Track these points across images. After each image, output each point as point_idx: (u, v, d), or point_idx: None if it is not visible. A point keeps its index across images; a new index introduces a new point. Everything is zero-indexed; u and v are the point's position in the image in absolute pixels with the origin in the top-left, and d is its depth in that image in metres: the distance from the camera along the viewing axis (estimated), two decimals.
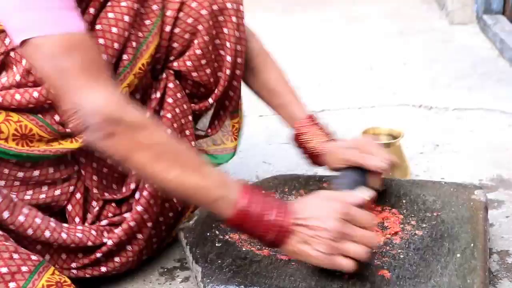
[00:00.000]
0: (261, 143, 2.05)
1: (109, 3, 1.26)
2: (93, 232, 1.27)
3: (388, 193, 1.44)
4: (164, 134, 1.13)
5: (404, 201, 1.41)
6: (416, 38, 3.00)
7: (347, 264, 1.07)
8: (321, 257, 1.07)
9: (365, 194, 1.22)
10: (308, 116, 1.44)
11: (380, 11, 3.45)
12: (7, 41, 1.22)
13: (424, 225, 1.32)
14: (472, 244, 1.24)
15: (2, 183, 1.22)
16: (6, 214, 1.14)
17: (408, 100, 2.29)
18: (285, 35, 3.09)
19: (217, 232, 1.33)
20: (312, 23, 3.33)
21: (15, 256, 1.08)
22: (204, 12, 1.36)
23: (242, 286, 1.14)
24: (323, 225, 1.07)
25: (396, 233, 1.30)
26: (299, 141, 1.45)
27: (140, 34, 1.31)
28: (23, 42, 1.07)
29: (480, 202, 1.39)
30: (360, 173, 1.34)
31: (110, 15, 1.25)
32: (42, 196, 1.27)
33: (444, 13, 3.27)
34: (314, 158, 1.45)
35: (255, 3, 3.58)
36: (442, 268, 1.17)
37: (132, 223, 1.30)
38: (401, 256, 1.22)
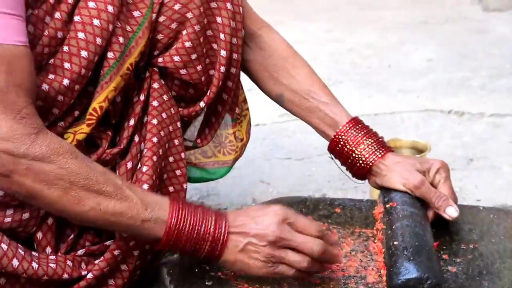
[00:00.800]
0: (258, 158, 2.04)
1: None
2: (69, 263, 1.27)
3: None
4: (76, 163, 1.14)
5: (433, 230, 1.40)
6: (443, 29, 3.00)
7: (288, 271, 1.16)
8: (259, 264, 1.16)
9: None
10: (351, 119, 1.45)
11: None
12: None
13: (458, 260, 1.31)
14: None
15: None
16: None
17: (434, 104, 2.28)
18: (286, 26, 3.09)
19: (206, 267, 1.32)
20: (317, 10, 3.34)
21: None
22: None
23: None
24: (260, 230, 1.16)
25: None
26: (340, 150, 1.45)
27: (128, 28, 1.31)
28: None
29: None
30: (421, 204, 1.36)
31: (91, 4, 1.25)
32: (7, 220, 1.26)
33: None
34: (358, 171, 1.44)
35: None
36: None
37: (116, 252, 1.30)
38: None
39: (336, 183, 1.83)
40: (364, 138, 1.42)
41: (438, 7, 3.28)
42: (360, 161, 1.41)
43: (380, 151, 1.40)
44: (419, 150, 1.70)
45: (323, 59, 2.72)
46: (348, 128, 1.43)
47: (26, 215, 1.29)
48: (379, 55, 2.75)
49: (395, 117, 2.20)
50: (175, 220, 1.15)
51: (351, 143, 1.42)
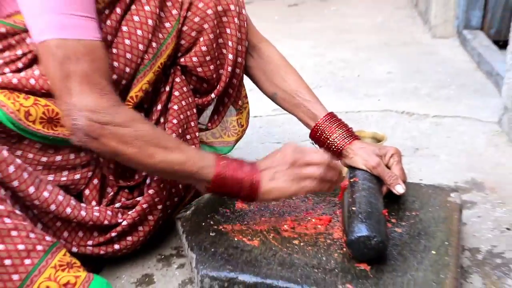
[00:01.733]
0: (255, 142, 2.03)
1: (133, 6, 1.27)
2: (109, 213, 1.28)
3: None
4: (146, 126, 1.15)
5: (386, 200, 1.40)
6: (401, 50, 2.99)
7: (311, 183, 1.20)
8: (289, 184, 1.19)
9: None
10: (328, 113, 1.44)
11: (368, 24, 3.44)
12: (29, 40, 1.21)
13: (403, 223, 1.31)
14: (446, 242, 1.24)
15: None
16: (31, 189, 1.13)
17: (391, 106, 2.28)
18: (278, 42, 3.08)
19: (211, 222, 1.33)
20: (306, 33, 3.33)
21: (32, 235, 1.08)
22: (209, 11, 1.36)
23: (233, 273, 1.15)
24: (280, 160, 1.20)
25: None
26: (318, 137, 1.44)
27: (160, 35, 1.31)
28: (42, 42, 1.08)
29: (455, 204, 1.40)
30: (377, 180, 1.36)
31: (136, 18, 1.26)
32: (63, 178, 1.27)
33: (427, 27, 3.26)
34: (332, 153, 1.41)
35: (254, 15, 3.60)
36: (418, 264, 1.17)
37: (145, 205, 1.31)
38: None
39: None
40: (337, 128, 1.42)
41: (397, 33, 3.27)
42: (333, 146, 1.41)
43: (349, 139, 1.40)
44: (378, 140, 1.69)
45: (308, 69, 2.72)
46: (325, 120, 1.42)
47: (77, 176, 1.29)
48: (351, 68, 2.74)
49: (361, 115, 2.20)
50: (221, 167, 1.17)
51: (326, 132, 1.42)
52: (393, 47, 3.04)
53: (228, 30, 1.39)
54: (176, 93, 1.38)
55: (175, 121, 1.35)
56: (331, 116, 1.44)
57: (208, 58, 1.39)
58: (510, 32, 2.01)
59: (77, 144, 1.14)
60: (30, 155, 1.21)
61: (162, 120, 1.36)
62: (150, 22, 1.27)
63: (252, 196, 1.19)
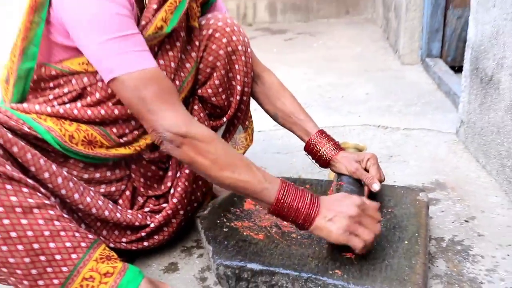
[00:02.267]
0: (259, 152, 2.01)
1: (159, 52, 1.25)
2: (139, 216, 1.27)
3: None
4: (221, 144, 1.11)
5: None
6: (376, 75, 2.97)
7: (358, 243, 1.07)
8: (341, 231, 1.06)
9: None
10: (319, 130, 1.42)
11: (349, 54, 3.42)
12: (85, 79, 1.20)
13: (381, 219, 1.30)
14: (416, 234, 1.23)
15: None
16: (76, 196, 1.13)
17: (369, 121, 2.26)
18: (277, 69, 3.07)
19: (224, 220, 1.32)
20: (299, 61, 3.31)
21: (77, 234, 1.07)
22: (221, 52, 1.35)
23: (243, 262, 1.14)
24: (344, 209, 1.07)
25: None
26: (311, 149, 1.42)
27: (182, 74, 1.29)
28: (112, 80, 1.07)
29: (423, 202, 1.38)
30: (359, 184, 1.35)
31: (161, 61, 1.24)
32: (101, 190, 1.26)
33: (397, 56, 3.25)
34: (322, 162, 1.41)
35: (257, 47, 3.59)
36: (393, 252, 1.16)
37: (169, 211, 1.30)
38: None
39: (308, 169, 1.80)
40: (326, 142, 1.40)
41: (373, 61, 3.25)
42: (324, 157, 1.39)
43: (335, 151, 1.39)
44: (359, 149, 1.68)
45: (302, 91, 2.70)
46: (316, 136, 1.41)
47: (113, 188, 1.28)
48: (336, 90, 2.72)
49: (345, 129, 2.18)
50: (282, 193, 1.08)
51: (318, 145, 1.40)
52: (370, 72, 3.02)
53: (236, 66, 1.38)
54: (195, 118, 1.37)
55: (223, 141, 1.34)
56: (321, 132, 1.42)
57: (220, 89, 1.38)
58: (464, 61, 1.99)
59: (164, 152, 1.11)
60: (75, 172, 1.20)
61: None
62: (173, 64, 1.26)
63: (304, 226, 1.08)
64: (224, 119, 1.43)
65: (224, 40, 1.34)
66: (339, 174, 1.39)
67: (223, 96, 1.39)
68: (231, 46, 1.35)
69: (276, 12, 4.59)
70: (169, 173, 1.32)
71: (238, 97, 1.41)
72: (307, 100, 2.54)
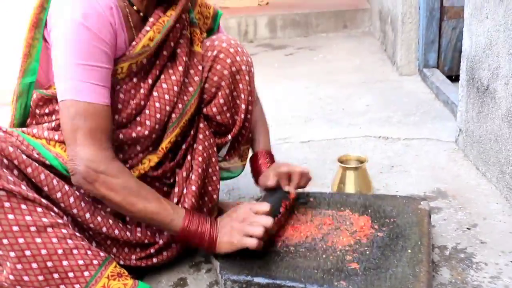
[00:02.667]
0: None
1: (162, 76, 1.27)
2: (148, 233, 1.28)
3: (358, 204, 1.42)
4: (132, 180, 1.15)
5: (369, 210, 1.39)
6: (375, 86, 2.96)
7: (251, 241, 1.15)
8: (234, 239, 1.16)
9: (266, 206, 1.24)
10: (262, 151, 1.49)
11: (348, 67, 3.42)
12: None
13: (384, 228, 1.30)
14: (419, 242, 1.23)
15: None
16: (88, 215, 1.15)
17: (370, 132, 2.25)
18: (279, 84, 3.08)
19: None
20: (300, 75, 3.31)
21: (89, 252, 1.09)
22: (226, 72, 1.36)
23: (249, 277, 1.14)
24: (234, 217, 1.20)
25: (364, 235, 1.28)
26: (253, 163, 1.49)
27: (185, 98, 1.31)
28: (62, 100, 1.11)
29: (425, 210, 1.38)
30: (279, 193, 1.39)
31: (164, 85, 1.26)
32: (109, 209, 1.26)
33: (395, 67, 3.25)
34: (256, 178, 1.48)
35: (259, 63, 3.60)
36: (397, 261, 1.16)
37: None
38: (367, 253, 1.20)
39: (310, 182, 1.79)
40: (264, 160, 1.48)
41: (372, 73, 3.25)
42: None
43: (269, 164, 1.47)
44: (361, 161, 1.68)
45: (303, 104, 2.70)
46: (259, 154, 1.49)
47: None
48: (336, 102, 2.71)
49: (347, 141, 2.18)
50: (188, 221, 1.16)
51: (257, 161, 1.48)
52: (369, 84, 3.01)
53: (240, 85, 1.39)
54: (200, 136, 1.37)
55: (200, 158, 1.35)
56: (263, 152, 1.49)
57: (225, 108, 1.38)
58: (460, 71, 1.99)
59: (75, 185, 1.14)
60: (82, 191, 1.21)
61: (189, 157, 1.35)
62: (175, 88, 1.27)
63: (211, 248, 1.18)
64: (229, 136, 1.44)
65: (229, 61, 1.35)
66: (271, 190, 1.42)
67: (228, 115, 1.40)
68: (235, 66, 1.36)
69: (276, 28, 4.61)
70: (176, 190, 1.33)
71: (242, 115, 1.41)
72: (309, 113, 2.54)
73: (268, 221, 1.17)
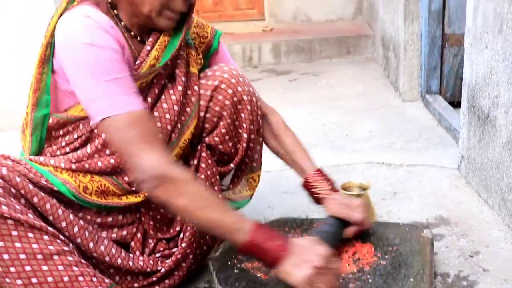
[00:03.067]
0: (267, 192, 2.01)
1: (162, 96, 1.30)
2: (151, 262, 1.29)
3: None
4: (197, 185, 1.13)
5: (372, 238, 1.40)
6: (378, 112, 2.99)
7: None
8: (305, 280, 1.05)
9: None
10: (316, 169, 1.43)
11: (352, 93, 3.45)
12: (91, 123, 1.24)
13: (386, 256, 1.31)
14: (421, 271, 1.23)
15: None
16: (91, 245, 1.16)
17: (373, 159, 2.26)
18: (283, 109, 3.10)
19: (235, 261, 1.33)
20: (304, 101, 3.35)
21: (94, 279, 1.10)
22: (227, 102, 1.38)
23: None
24: (311, 258, 1.06)
25: (367, 263, 1.29)
26: (307, 187, 1.43)
27: (183, 118, 1.33)
28: (101, 120, 1.12)
29: (428, 238, 1.39)
30: (339, 226, 1.33)
31: (164, 105, 1.29)
32: (114, 235, 1.28)
33: (398, 93, 3.28)
34: (317, 200, 1.43)
35: (263, 88, 3.64)
36: None
37: (179, 256, 1.31)
38: (370, 281, 1.21)
39: (315, 209, 1.79)
40: (321, 181, 1.41)
41: (375, 99, 3.28)
42: (317, 195, 1.41)
43: (328, 192, 1.39)
44: (363, 188, 1.69)
45: (307, 130, 2.72)
46: (313, 175, 1.42)
47: (124, 232, 1.30)
48: (340, 128, 2.73)
49: (350, 167, 2.19)
50: (255, 234, 1.08)
51: (312, 183, 1.41)
52: (372, 110, 3.04)
53: (242, 115, 1.41)
54: (203, 165, 1.39)
55: (200, 182, 1.36)
56: (318, 172, 1.43)
57: (227, 137, 1.41)
58: (462, 99, 2.02)
59: (145, 191, 1.13)
60: (88, 217, 1.24)
61: None
62: (176, 107, 1.30)
63: (272, 266, 1.09)
64: (232, 165, 1.46)
65: (230, 91, 1.38)
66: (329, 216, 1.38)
67: (230, 144, 1.42)
68: (236, 96, 1.39)
69: (281, 54, 4.67)
70: (178, 217, 1.34)
71: (244, 144, 1.43)
72: (313, 140, 2.56)
73: (337, 286, 1.10)
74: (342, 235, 1.34)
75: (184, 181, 1.10)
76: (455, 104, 2.83)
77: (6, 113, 3.04)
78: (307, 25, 5.43)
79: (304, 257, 1.06)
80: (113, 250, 1.21)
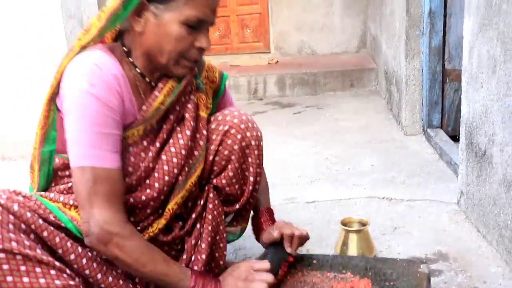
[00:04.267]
0: None
1: (171, 140, 1.35)
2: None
3: (359, 266, 1.47)
4: (143, 243, 1.23)
5: (370, 273, 1.43)
6: (381, 146, 3.04)
7: None
8: None
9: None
10: (264, 209, 1.57)
11: (355, 126, 3.51)
12: None
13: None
14: None
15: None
16: (99, 275, 1.21)
17: (374, 193, 2.30)
18: (287, 143, 3.17)
19: None
20: (307, 134, 3.40)
21: None
22: (236, 147, 1.43)
23: None
24: (236, 276, 1.28)
25: None
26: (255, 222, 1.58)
27: (190, 161, 1.38)
28: (77, 166, 1.19)
29: (424, 274, 1.42)
30: (279, 251, 1.45)
31: (172, 149, 1.33)
32: (119, 270, 1.31)
33: (400, 127, 3.33)
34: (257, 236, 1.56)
35: (267, 121, 3.71)
36: None
37: None
38: None
39: (315, 244, 1.83)
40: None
41: (378, 133, 3.33)
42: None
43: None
44: (363, 223, 1.73)
45: (309, 164, 2.77)
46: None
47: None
48: (342, 163, 2.78)
49: (351, 201, 2.23)
50: (194, 283, 1.23)
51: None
52: (375, 143, 3.09)
53: (249, 159, 1.46)
54: (210, 206, 1.44)
55: (210, 228, 1.41)
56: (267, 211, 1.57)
57: (234, 180, 1.46)
58: (460, 136, 2.07)
59: (88, 246, 1.20)
60: (95, 252, 1.27)
61: (198, 225, 1.42)
62: (183, 151, 1.35)
63: None
64: (237, 206, 1.51)
65: (239, 136, 1.43)
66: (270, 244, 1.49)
67: (237, 186, 1.47)
68: (245, 141, 1.44)
69: (285, 87, 4.76)
70: (184, 256, 1.39)
71: (251, 187, 1.49)
72: (315, 174, 2.61)
73: (269, 278, 1.26)
74: (285, 254, 1.44)
75: (130, 239, 1.19)
76: (457, 138, 2.87)
77: (15, 143, 3.13)
78: (312, 58, 5.54)
79: (231, 282, 1.27)
80: (121, 281, 1.25)
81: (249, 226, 1.62)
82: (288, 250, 1.44)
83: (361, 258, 1.52)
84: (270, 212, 1.57)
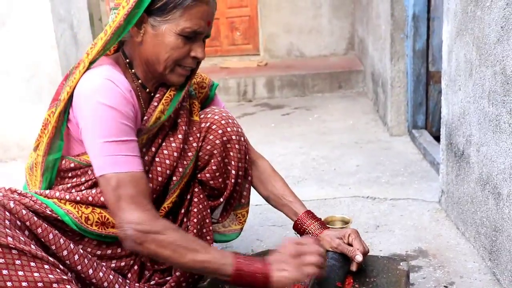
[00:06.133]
0: (256, 225, 2.10)
1: (164, 143, 1.41)
2: (145, 287, 1.36)
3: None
4: (178, 234, 1.23)
5: (353, 271, 1.48)
6: (366, 146, 3.09)
7: (312, 269, 1.19)
8: (294, 272, 1.18)
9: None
10: (306, 211, 1.53)
11: (342, 127, 3.56)
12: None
13: (363, 287, 1.39)
14: None
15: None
16: (90, 271, 1.25)
17: (359, 193, 2.36)
18: (275, 144, 3.21)
19: None
20: (295, 135, 3.45)
21: None
22: (217, 142, 1.49)
23: None
24: (284, 253, 1.21)
25: None
26: (298, 228, 1.53)
27: (184, 162, 1.45)
28: (100, 175, 1.23)
29: (403, 271, 1.47)
30: (343, 259, 1.44)
31: (165, 151, 1.40)
32: (112, 265, 1.37)
33: (386, 128, 3.39)
34: None
35: (256, 122, 3.77)
36: None
37: (173, 284, 1.41)
38: None
39: None
40: (312, 222, 1.51)
41: (364, 133, 3.38)
42: (310, 235, 1.49)
43: (320, 229, 1.49)
44: (345, 221, 1.77)
45: (297, 165, 2.83)
46: (303, 216, 1.52)
47: (122, 263, 1.39)
48: (328, 163, 2.83)
49: (336, 201, 2.29)
50: (238, 264, 1.18)
51: (304, 225, 1.51)
52: (361, 144, 3.14)
53: (231, 153, 1.53)
54: (195, 199, 1.50)
55: (195, 220, 1.47)
56: (308, 212, 1.53)
57: (217, 174, 1.52)
58: (441, 135, 2.13)
59: (129, 249, 1.23)
60: (89, 249, 1.32)
61: (185, 219, 1.48)
62: (175, 154, 1.42)
63: (266, 285, 1.19)
64: (221, 199, 1.57)
65: (220, 131, 1.50)
66: (326, 251, 1.47)
67: (220, 180, 1.53)
68: (226, 136, 1.51)
69: (274, 88, 4.82)
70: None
71: (233, 180, 1.55)
72: (301, 174, 2.66)
73: (318, 249, 1.22)
74: (349, 267, 1.43)
75: (164, 233, 1.20)
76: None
77: (9, 146, 3.17)
78: (301, 60, 5.61)
79: (282, 258, 1.20)
80: (111, 276, 1.30)
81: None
82: (354, 268, 1.43)
83: (340, 258, 1.57)
84: (310, 214, 1.54)
